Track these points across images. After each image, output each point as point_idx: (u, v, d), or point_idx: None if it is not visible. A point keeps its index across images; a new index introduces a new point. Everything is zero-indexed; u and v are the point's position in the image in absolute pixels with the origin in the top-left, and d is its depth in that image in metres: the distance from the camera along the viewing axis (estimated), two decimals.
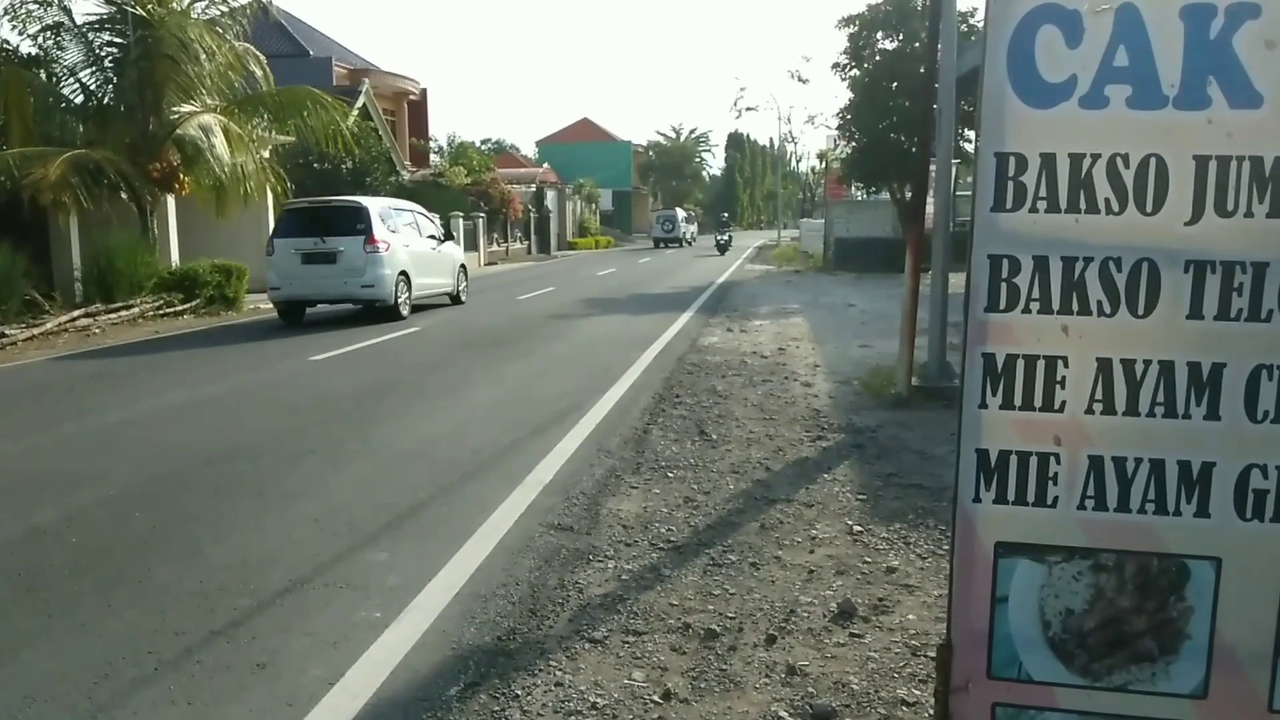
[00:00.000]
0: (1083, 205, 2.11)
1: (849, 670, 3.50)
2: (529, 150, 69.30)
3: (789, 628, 3.86)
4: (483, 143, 56.80)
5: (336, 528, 5.08)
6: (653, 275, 27.77)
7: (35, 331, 13.43)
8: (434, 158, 40.61)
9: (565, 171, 53.66)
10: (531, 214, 42.03)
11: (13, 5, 17.04)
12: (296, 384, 9.86)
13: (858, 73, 22.88)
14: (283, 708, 3.21)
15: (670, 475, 6.08)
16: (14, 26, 17.35)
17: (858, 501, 5.50)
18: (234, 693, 3.32)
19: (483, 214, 33.46)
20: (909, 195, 20.86)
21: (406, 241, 15.80)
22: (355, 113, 24.76)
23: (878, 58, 22.55)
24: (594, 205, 57.22)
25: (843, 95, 24.72)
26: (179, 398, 9.08)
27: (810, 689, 3.36)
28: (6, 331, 12.98)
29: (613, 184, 63.93)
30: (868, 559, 4.60)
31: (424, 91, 39.97)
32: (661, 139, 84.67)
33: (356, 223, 14.96)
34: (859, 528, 5.03)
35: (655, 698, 3.31)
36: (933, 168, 8.63)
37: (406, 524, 5.17)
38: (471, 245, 31.82)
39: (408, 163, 34.50)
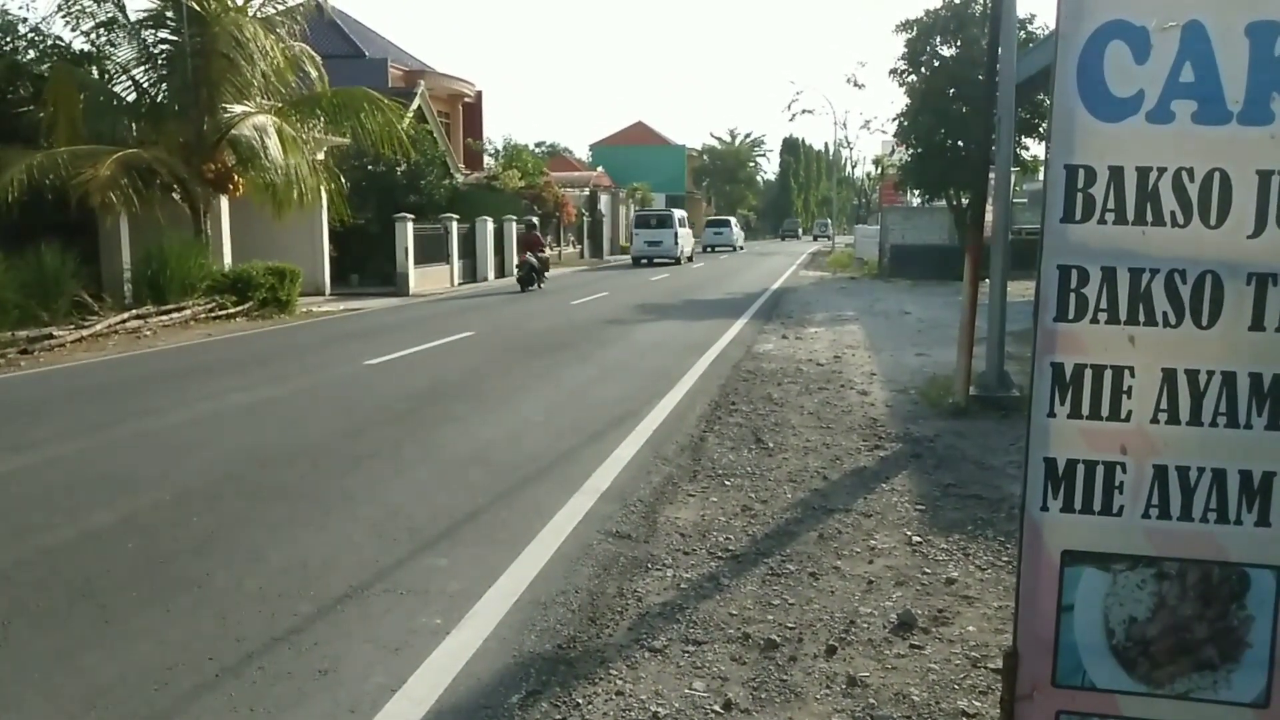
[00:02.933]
0: (1149, 217, 2.15)
1: (910, 681, 3.44)
2: (582, 153, 69.59)
3: (849, 638, 3.80)
4: (536, 145, 57.12)
5: (396, 533, 5.12)
6: (706, 280, 27.71)
7: (84, 333, 13.38)
8: (488, 160, 40.93)
9: (618, 175, 53.78)
10: (585, 218, 42.19)
11: (65, 1, 17.07)
12: (353, 388, 9.99)
13: (915, 78, 22.68)
14: (345, 715, 3.24)
15: (728, 483, 6.04)
16: (67, 23, 17.52)
17: (916, 512, 5.41)
18: (296, 699, 3.34)
19: (536, 217, 33.66)
20: (966, 202, 20.61)
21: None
22: (410, 114, 25.00)
23: (936, 64, 22.34)
24: (647, 209, 57.29)
25: (899, 101, 24.60)
26: (235, 401, 9.21)
27: (871, 700, 3.32)
28: (55, 333, 12.93)
29: (666, 188, 63.90)
30: (927, 570, 4.53)
31: (479, 94, 40.32)
32: (716, 143, 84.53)
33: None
34: (918, 538, 4.95)
35: (716, 708, 3.28)
36: (992, 175, 8.51)
37: (465, 529, 5.20)
38: None
39: (462, 165, 34.81)
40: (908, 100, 23.09)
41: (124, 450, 7.24)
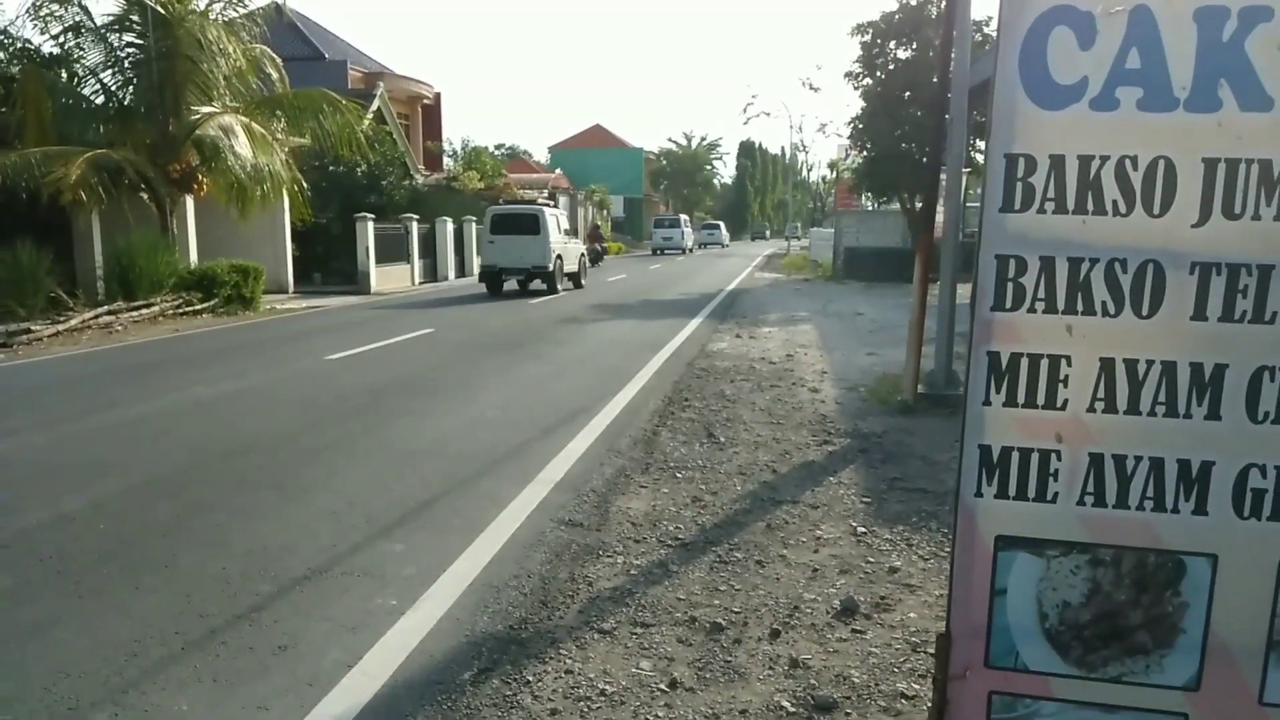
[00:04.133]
0: (1090, 206, 2.13)
1: (850, 664, 3.61)
2: (541, 156, 69.55)
3: (793, 623, 3.96)
4: (496, 148, 57.05)
5: (353, 520, 5.22)
6: (663, 281, 27.90)
7: (60, 328, 13.65)
8: (447, 162, 40.82)
9: (577, 177, 53.86)
10: None
11: (34, 5, 17.20)
12: (313, 382, 10.01)
13: (870, 81, 22.90)
14: (304, 687, 3.34)
15: (679, 476, 6.20)
16: (36, 26, 17.62)
17: (862, 504, 5.60)
18: (257, 672, 3.45)
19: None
20: (919, 205, 20.93)
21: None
22: (370, 116, 24.98)
23: (891, 66, 22.56)
24: (606, 211, 57.41)
25: (855, 104, 24.73)
26: (200, 393, 9.25)
27: (812, 681, 3.47)
28: (32, 328, 13.22)
29: (624, 190, 64.09)
30: (871, 559, 4.71)
31: (438, 96, 40.20)
32: (673, 146, 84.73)
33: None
34: (863, 529, 5.14)
35: (662, 686, 3.42)
36: (944, 177, 8.72)
37: (421, 517, 5.31)
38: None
39: (421, 166, 34.71)
40: (863, 103, 23.33)
41: (95, 439, 7.29)
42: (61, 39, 17.79)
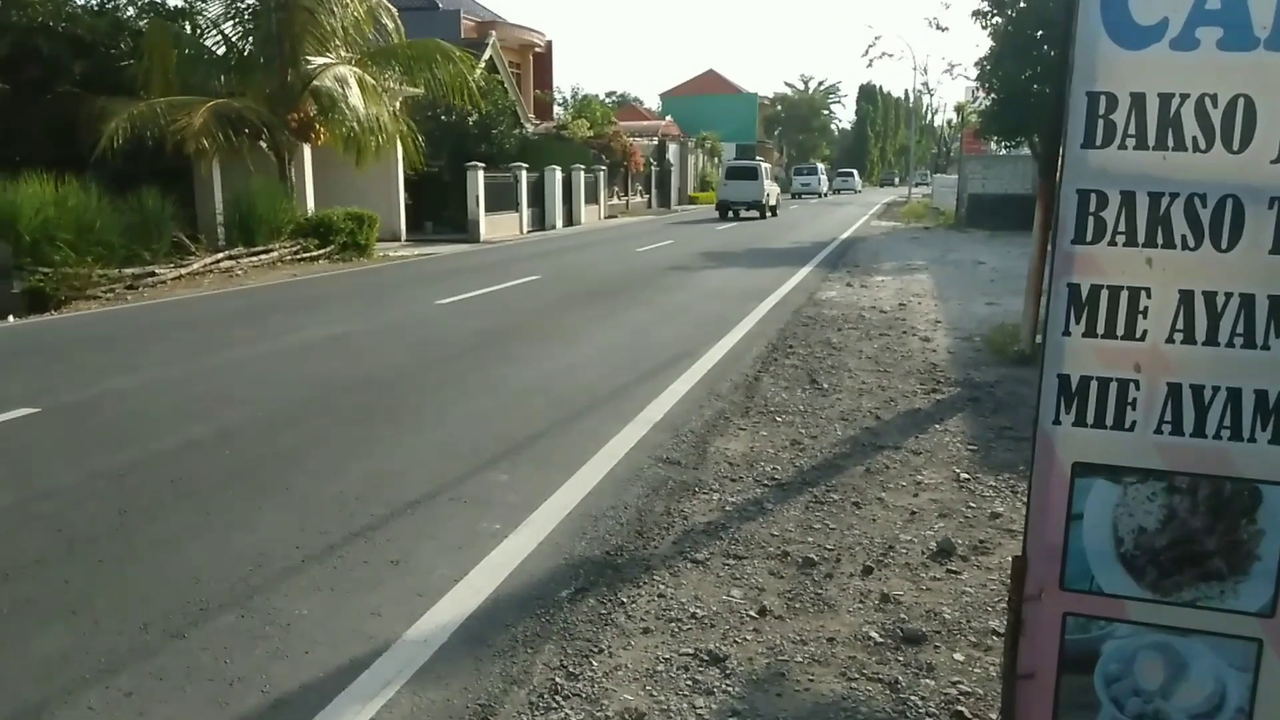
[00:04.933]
0: (1170, 143, 2.16)
1: (942, 602, 3.62)
2: (652, 103, 69.21)
3: (886, 561, 3.99)
4: (606, 95, 57.10)
5: (461, 451, 5.45)
6: (774, 230, 27.59)
7: (183, 271, 14.30)
8: (557, 110, 41.06)
9: (688, 124, 53.44)
10: (653, 167, 42.14)
11: None
12: (424, 325, 10.38)
13: (1000, 20, 21.83)
14: (414, 598, 3.56)
15: (778, 420, 6.23)
16: None
17: (968, 452, 5.53)
18: (371, 584, 3.69)
19: (604, 167, 33.77)
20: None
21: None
22: (482, 65, 25.26)
23: (1022, 4, 21.46)
24: (716, 159, 56.91)
25: (983, 44, 23.64)
26: (318, 334, 9.71)
27: (902, 615, 3.50)
28: (157, 271, 13.85)
29: (736, 137, 63.26)
30: (972, 505, 4.67)
31: (549, 44, 40.33)
32: (789, 91, 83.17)
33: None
34: (966, 475, 5.08)
35: (751, 613, 3.51)
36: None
37: (524, 451, 5.50)
38: (592, 198, 32.23)
39: (531, 115, 35.01)
40: (992, 43, 22.27)
41: (219, 374, 7.75)
42: None
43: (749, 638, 3.34)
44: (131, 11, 19.00)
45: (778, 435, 5.86)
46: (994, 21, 21.98)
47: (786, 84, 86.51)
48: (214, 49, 18.67)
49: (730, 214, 33.11)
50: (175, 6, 18.99)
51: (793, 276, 14.84)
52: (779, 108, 79.57)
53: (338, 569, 3.81)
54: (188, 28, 18.76)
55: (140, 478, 4.99)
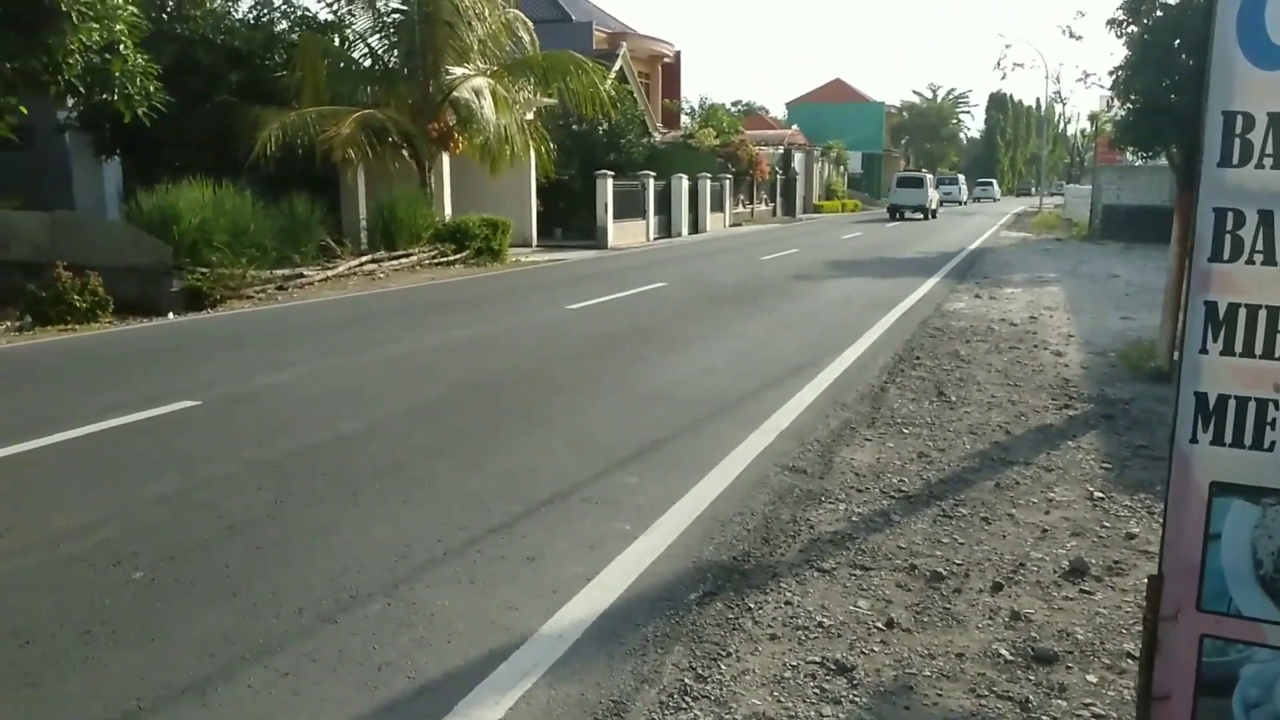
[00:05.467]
0: None
1: (1075, 622, 3.55)
2: (778, 112, 68.82)
3: (1017, 578, 3.93)
4: (732, 104, 57.02)
5: (592, 452, 5.62)
6: (899, 240, 27.08)
7: (329, 273, 15.13)
8: (684, 119, 41.32)
9: (814, 133, 52.94)
10: (778, 176, 41.92)
11: None
12: (555, 328, 10.68)
13: (1136, 29, 20.95)
14: (549, 594, 3.72)
15: (905, 431, 6.17)
16: None
17: (1102, 470, 5.37)
18: (508, 578, 3.86)
19: (729, 175, 33.80)
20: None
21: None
22: (613, 76, 25.67)
23: (1159, 12, 20.54)
24: (842, 168, 56.14)
25: (1118, 53, 22.67)
26: (455, 335, 10.14)
27: (1034, 634, 3.45)
28: (305, 272, 14.69)
29: (862, 146, 62.32)
30: (1106, 524, 4.54)
31: (678, 54, 40.67)
32: (916, 99, 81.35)
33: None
34: (1100, 494, 4.94)
35: (879, 624, 3.52)
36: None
37: (653, 454, 5.62)
38: (717, 206, 32.30)
39: (659, 124, 35.36)
40: (1128, 52, 21.39)
41: (365, 372, 8.19)
42: (335, 6, 19.56)
43: (876, 649, 3.36)
44: (285, 25, 20.12)
45: (905, 447, 5.81)
46: (1130, 30, 21.06)
47: (915, 92, 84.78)
48: (361, 61, 19.67)
49: (898, 215, 40.42)
50: (326, 20, 20.04)
51: (919, 287, 14.57)
52: (906, 116, 77.87)
53: (477, 563, 4.01)
54: (337, 41, 19.80)
55: (294, 468, 5.34)
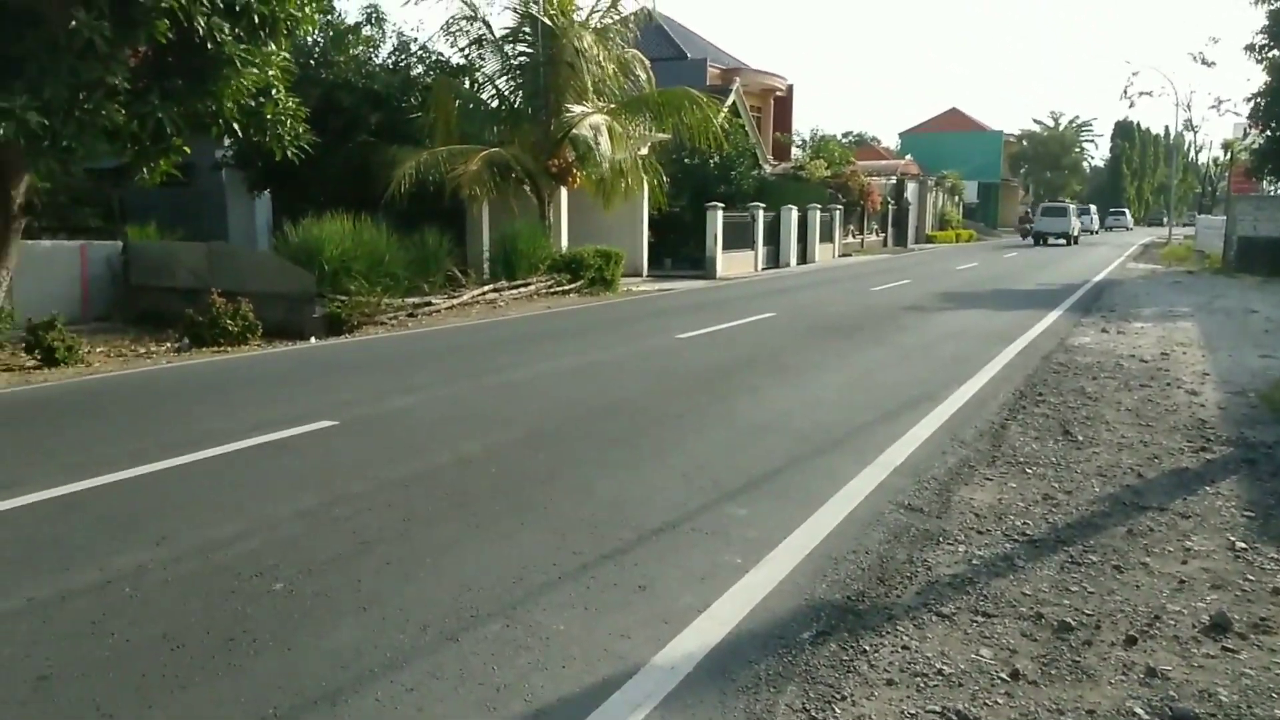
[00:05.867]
0: None
1: (1218, 682, 3.35)
2: (891, 142, 67.88)
3: (1152, 632, 3.74)
4: (844, 135, 56.58)
5: (701, 482, 5.62)
6: (1018, 270, 26.28)
7: (454, 302, 15.79)
8: (795, 151, 41.19)
9: (929, 163, 52.01)
10: (890, 206, 41.28)
11: (448, 23, 20.15)
12: (665, 357, 10.75)
13: (1277, 53, 19.94)
14: (660, 623, 3.72)
15: (1028, 471, 5.97)
16: (448, 40, 20.52)
17: (1244, 518, 5.07)
18: (620, 606, 3.89)
19: (840, 206, 33.46)
20: None
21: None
22: (725, 110, 25.90)
23: None
24: (957, 198, 54.88)
25: (1256, 78, 21.62)
26: (570, 362, 10.33)
27: (1172, 693, 3.27)
28: (433, 301, 15.40)
29: (979, 175, 60.83)
30: (1250, 577, 4.28)
31: (790, 88, 40.65)
32: (1037, 128, 78.98)
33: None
34: (1243, 545, 4.67)
35: (1003, 675, 3.40)
36: None
37: (763, 486, 5.58)
38: (826, 237, 31.99)
39: (770, 156, 35.36)
40: (1267, 78, 20.37)
41: (486, 396, 8.45)
42: (466, 51, 20.59)
43: (1000, 701, 3.24)
44: (420, 69, 21.12)
45: (1028, 488, 5.62)
46: (1271, 55, 20.07)
47: (1035, 121, 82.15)
48: (489, 102, 20.56)
49: (1042, 241, 43.63)
50: (458, 64, 21.01)
51: (1042, 320, 14.09)
52: (1025, 144, 75.67)
53: (590, 589, 4.05)
54: (467, 83, 20.72)
55: (420, 488, 5.52)
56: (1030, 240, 44.68)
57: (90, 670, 3.35)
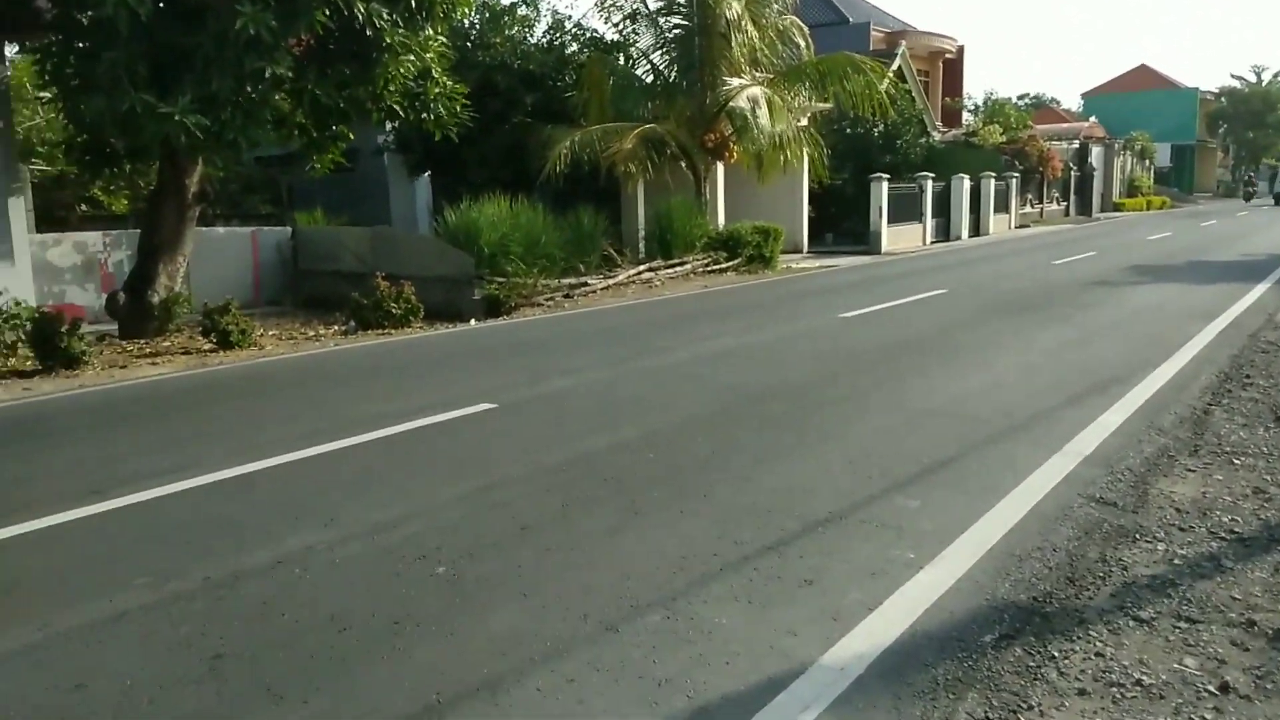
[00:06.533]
0: None
1: None
2: (1072, 104, 63.74)
3: None
4: (1019, 98, 53.53)
5: (869, 470, 5.37)
6: (1218, 240, 24.17)
7: (610, 282, 15.87)
8: (967, 116, 39.29)
9: (1114, 125, 48.56)
10: (1072, 172, 38.78)
11: None
12: (827, 337, 10.43)
13: None
14: (828, 620, 3.55)
15: (1236, 462, 5.42)
16: (601, 16, 20.58)
17: None
18: (785, 600, 3.74)
19: (1016, 174, 31.68)
20: None
21: None
22: (890, 75, 24.95)
23: None
24: (1147, 162, 51.01)
25: None
26: (728, 343, 10.17)
27: None
28: (589, 281, 15.51)
29: (1171, 137, 56.33)
30: None
31: (960, 49, 38.75)
32: (1237, 84, 72.31)
33: None
34: None
35: (1210, 688, 3.07)
36: None
37: (936, 475, 5.28)
38: (1001, 207, 30.40)
39: (939, 123, 33.84)
40: None
41: (642, 378, 8.41)
42: (620, 26, 20.51)
43: (1208, 718, 2.92)
44: (575, 47, 21.28)
45: (1236, 480, 5.09)
46: None
47: (1234, 76, 75.07)
48: (643, 78, 20.47)
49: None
50: (612, 40, 21.03)
51: (1246, 295, 12.87)
52: (1224, 102, 69.45)
53: (753, 581, 3.92)
54: (621, 59, 20.71)
55: (578, 473, 5.52)
56: (1260, 202, 44.57)
57: (261, 650, 3.48)
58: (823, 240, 24.83)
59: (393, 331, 12.09)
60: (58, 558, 4.52)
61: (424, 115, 12.30)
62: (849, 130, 25.94)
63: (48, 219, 15.93)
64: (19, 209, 11.82)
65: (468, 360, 10.03)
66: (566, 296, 14.64)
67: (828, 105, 21.43)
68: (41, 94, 15.73)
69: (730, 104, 18.50)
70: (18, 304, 10.32)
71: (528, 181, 17.46)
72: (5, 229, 11.26)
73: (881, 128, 26.08)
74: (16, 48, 13.20)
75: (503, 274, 13.95)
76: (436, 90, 12.26)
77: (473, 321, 12.84)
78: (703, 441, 6.13)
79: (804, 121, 20.43)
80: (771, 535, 4.40)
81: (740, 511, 4.75)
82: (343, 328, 12.37)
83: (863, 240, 23.77)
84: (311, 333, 12.26)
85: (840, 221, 25.24)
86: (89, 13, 9.45)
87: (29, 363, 9.86)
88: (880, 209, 23.43)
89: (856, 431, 6.28)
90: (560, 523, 4.68)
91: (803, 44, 20.18)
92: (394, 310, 12.28)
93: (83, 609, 3.86)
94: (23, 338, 10.07)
